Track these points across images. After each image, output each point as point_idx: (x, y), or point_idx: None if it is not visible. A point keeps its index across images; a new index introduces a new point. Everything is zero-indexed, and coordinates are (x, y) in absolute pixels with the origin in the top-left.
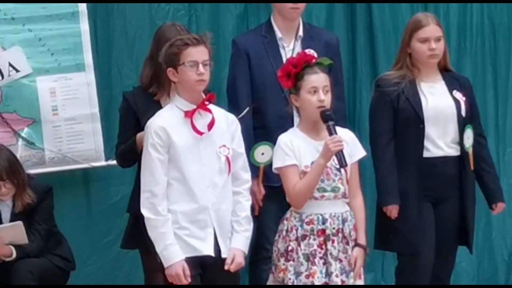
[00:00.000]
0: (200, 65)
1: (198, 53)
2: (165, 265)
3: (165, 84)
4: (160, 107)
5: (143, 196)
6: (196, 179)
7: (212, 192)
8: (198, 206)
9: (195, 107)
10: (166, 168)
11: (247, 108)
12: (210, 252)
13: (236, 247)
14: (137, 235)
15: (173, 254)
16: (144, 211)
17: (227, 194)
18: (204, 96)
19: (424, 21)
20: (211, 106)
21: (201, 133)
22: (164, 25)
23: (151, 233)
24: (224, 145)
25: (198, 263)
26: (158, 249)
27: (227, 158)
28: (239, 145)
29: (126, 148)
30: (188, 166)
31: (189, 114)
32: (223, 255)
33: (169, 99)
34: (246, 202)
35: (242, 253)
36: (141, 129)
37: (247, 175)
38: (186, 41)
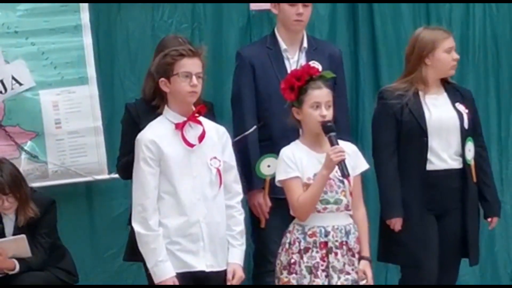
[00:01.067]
0: (194, 77)
1: (192, 65)
2: (156, 282)
3: None
4: None
5: (135, 210)
6: (187, 192)
7: (204, 205)
8: (189, 219)
9: (185, 119)
10: (157, 181)
11: (255, 127)
12: (203, 267)
13: (234, 261)
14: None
15: (164, 270)
16: (135, 225)
17: (219, 207)
18: (194, 108)
19: (446, 32)
20: (201, 119)
21: (192, 145)
22: (166, 37)
23: (142, 249)
24: (215, 157)
25: (190, 278)
26: (149, 265)
27: (218, 170)
28: (231, 157)
29: (129, 161)
30: (179, 178)
31: (179, 126)
32: (209, 269)
33: None
34: (239, 216)
35: (240, 267)
36: None
37: (239, 188)
38: (181, 52)
